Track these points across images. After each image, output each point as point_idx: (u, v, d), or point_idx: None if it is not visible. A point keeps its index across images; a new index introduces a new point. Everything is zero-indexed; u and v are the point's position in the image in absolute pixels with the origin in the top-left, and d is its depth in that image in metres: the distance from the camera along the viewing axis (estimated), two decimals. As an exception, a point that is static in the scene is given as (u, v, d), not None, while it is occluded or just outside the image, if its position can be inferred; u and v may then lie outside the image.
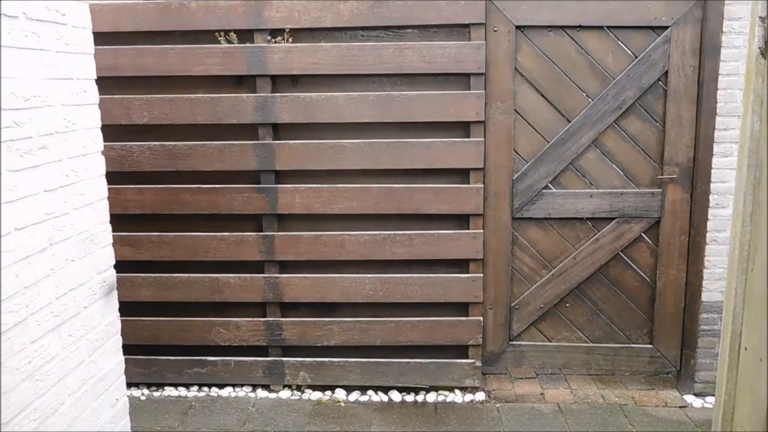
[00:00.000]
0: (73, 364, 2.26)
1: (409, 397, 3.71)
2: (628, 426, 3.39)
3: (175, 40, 3.52)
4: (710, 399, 3.59)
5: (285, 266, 3.70)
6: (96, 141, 2.42)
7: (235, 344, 3.74)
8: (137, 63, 3.49)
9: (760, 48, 1.88)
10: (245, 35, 3.50)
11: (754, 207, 1.93)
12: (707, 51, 3.42)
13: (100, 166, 2.46)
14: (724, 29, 3.36)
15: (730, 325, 2.03)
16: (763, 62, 1.87)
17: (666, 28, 3.47)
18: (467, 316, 3.69)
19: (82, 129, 2.31)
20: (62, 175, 2.19)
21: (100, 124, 2.45)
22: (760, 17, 1.86)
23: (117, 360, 2.60)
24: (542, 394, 3.72)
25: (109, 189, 2.54)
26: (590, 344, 3.85)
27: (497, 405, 3.61)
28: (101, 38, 3.26)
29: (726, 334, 2.06)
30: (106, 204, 2.49)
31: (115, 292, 2.58)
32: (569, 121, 3.61)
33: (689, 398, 3.67)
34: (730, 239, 2.05)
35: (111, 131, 3.34)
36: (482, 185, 3.57)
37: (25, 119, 1.97)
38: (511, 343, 3.86)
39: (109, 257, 2.54)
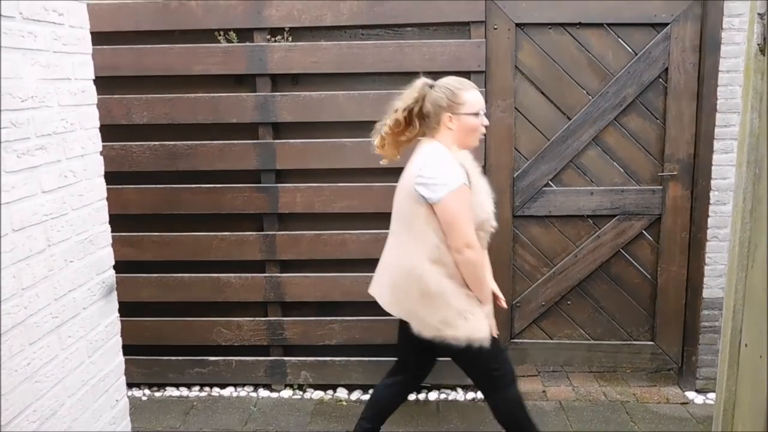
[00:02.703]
0: (73, 366, 2.26)
1: (411, 396, 3.70)
2: (629, 423, 3.39)
3: (175, 39, 3.52)
4: (712, 395, 3.58)
5: (286, 265, 3.69)
6: (95, 141, 2.42)
7: (236, 344, 3.74)
8: (137, 62, 3.48)
9: (758, 45, 1.87)
10: (245, 34, 3.49)
11: (754, 203, 1.93)
12: (707, 48, 3.40)
13: (99, 167, 2.46)
14: (724, 26, 3.34)
15: (731, 321, 2.03)
16: (761, 59, 1.86)
17: (666, 24, 3.46)
18: (468, 314, 3.68)
19: (80, 129, 2.31)
20: (60, 176, 2.18)
21: (98, 125, 2.44)
22: (759, 14, 1.85)
23: (117, 361, 2.60)
24: (544, 391, 3.71)
25: (109, 189, 2.53)
26: (592, 341, 3.84)
27: (499, 403, 3.60)
28: (101, 38, 3.26)
29: (726, 330, 2.06)
30: (105, 205, 2.49)
31: (115, 293, 2.58)
32: (570, 119, 3.60)
33: (691, 395, 3.67)
34: (730, 236, 2.04)
35: (111, 131, 3.35)
36: (483, 183, 3.56)
37: (23, 120, 1.97)
38: (512, 341, 3.86)
39: (109, 258, 2.53)
